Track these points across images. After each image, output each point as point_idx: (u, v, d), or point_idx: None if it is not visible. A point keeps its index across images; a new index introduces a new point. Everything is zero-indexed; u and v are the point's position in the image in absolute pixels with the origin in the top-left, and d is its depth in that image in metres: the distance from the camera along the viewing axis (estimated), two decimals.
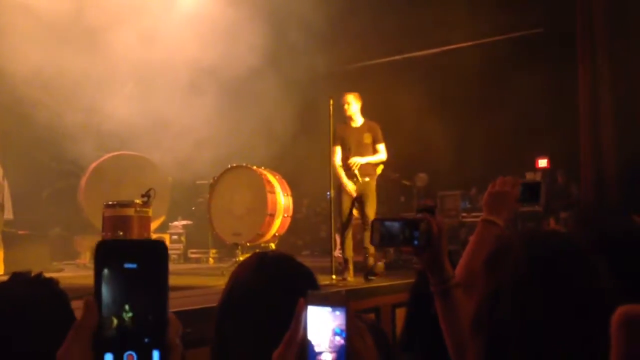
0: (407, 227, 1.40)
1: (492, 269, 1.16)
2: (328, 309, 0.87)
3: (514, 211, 1.83)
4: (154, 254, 0.73)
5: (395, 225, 1.41)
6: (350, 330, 0.86)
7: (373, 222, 1.44)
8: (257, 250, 6.69)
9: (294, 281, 1.35)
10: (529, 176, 10.23)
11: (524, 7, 10.38)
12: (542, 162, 10.88)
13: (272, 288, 1.31)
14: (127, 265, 0.72)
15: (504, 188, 1.80)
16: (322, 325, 0.87)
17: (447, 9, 10.43)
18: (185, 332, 0.78)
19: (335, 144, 6.33)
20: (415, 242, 1.39)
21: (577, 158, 9.99)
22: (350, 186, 6.29)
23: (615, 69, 9.74)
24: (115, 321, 0.71)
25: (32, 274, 1.25)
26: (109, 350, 0.71)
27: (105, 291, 0.72)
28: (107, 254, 0.73)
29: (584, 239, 1.33)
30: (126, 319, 0.71)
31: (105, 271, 0.72)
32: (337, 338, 0.86)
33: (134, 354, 0.71)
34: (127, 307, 0.71)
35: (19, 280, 1.23)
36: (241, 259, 6.84)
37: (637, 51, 9.64)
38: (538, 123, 10.34)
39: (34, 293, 1.18)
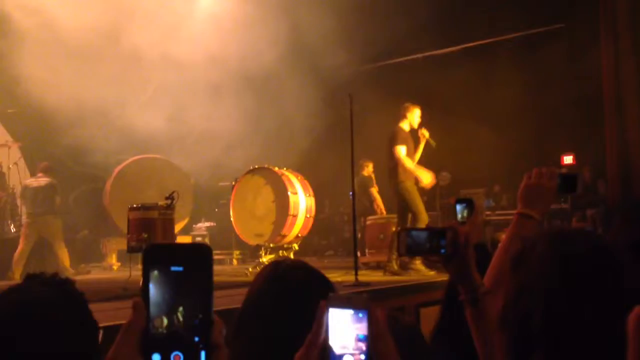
0: (434, 236, 1.39)
1: (517, 267, 1.15)
2: (350, 312, 0.87)
3: (550, 204, 1.77)
4: (199, 257, 0.76)
5: (422, 234, 1.40)
6: (372, 332, 0.86)
7: (399, 232, 1.44)
8: (280, 252, 6.69)
9: (307, 288, 1.38)
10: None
11: (545, 3, 10.25)
12: (568, 159, 10.72)
13: (285, 296, 1.36)
14: (173, 268, 0.74)
15: (540, 180, 1.72)
16: (344, 328, 0.86)
17: (469, 6, 10.35)
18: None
19: (402, 143, 6.81)
20: (443, 251, 1.38)
21: (603, 154, 9.82)
22: (427, 179, 6.87)
23: None
24: (163, 322, 0.73)
25: (47, 276, 1.26)
26: (156, 351, 0.73)
27: (153, 293, 0.74)
28: (154, 257, 0.75)
29: (629, 238, 1.32)
30: (173, 320, 0.74)
31: (153, 273, 0.74)
32: (360, 337, 0.86)
33: (180, 354, 0.73)
34: (173, 308, 0.74)
35: (34, 281, 1.24)
36: (264, 260, 6.89)
37: None
38: (563, 119, 10.19)
39: (49, 294, 1.19)
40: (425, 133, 6.98)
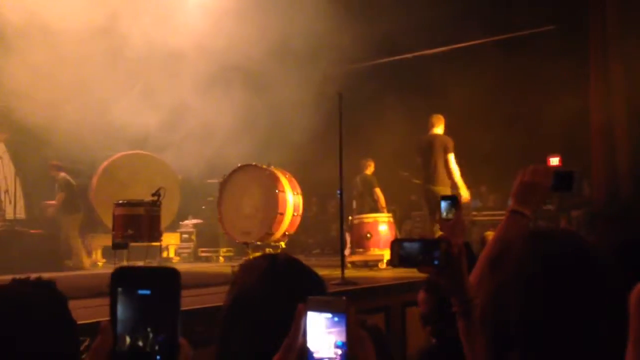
0: (427, 247, 1.38)
1: (496, 267, 1.14)
2: (328, 315, 0.86)
3: (542, 202, 1.76)
4: (166, 281, 0.77)
5: (415, 245, 1.39)
6: (351, 337, 0.85)
7: (392, 243, 1.43)
8: (267, 250, 6.67)
9: (306, 286, 1.33)
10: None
11: (536, 5, 10.30)
12: (554, 160, 10.80)
13: (285, 293, 1.28)
14: (140, 292, 0.76)
15: (535, 178, 1.71)
16: (322, 332, 0.85)
17: (459, 7, 10.38)
18: (197, 330, 0.80)
19: (453, 152, 7.43)
20: (435, 263, 1.37)
21: (589, 156, 9.90)
22: (465, 194, 7.36)
23: (628, 66, 9.65)
24: (129, 344, 0.75)
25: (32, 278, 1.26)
26: None
27: (120, 315, 0.76)
28: (122, 280, 0.77)
29: (613, 239, 1.32)
30: (139, 342, 0.75)
31: (120, 296, 0.76)
32: (337, 344, 0.85)
33: None
34: (140, 330, 0.75)
35: (19, 282, 1.24)
36: (251, 258, 6.86)
37: None
38: (550, 121, 10.26)
39: (34, 295, 1.19)
40: None
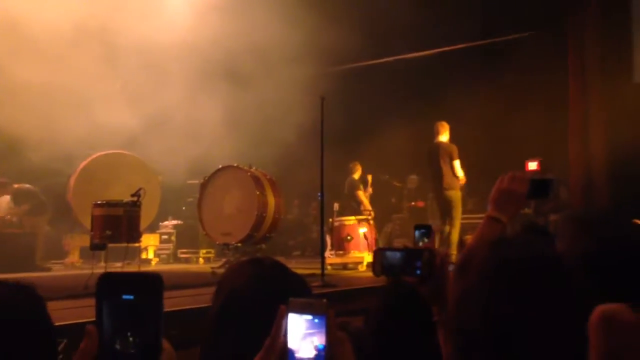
0: (410, 257, 1.38)
1: (460, 274, 1.13)
2: (309, 317, 0.87)
3: (520, 209, 1.77)
4: (150, 287, 0.80)
5: (397, 255, 1.39)
6: (330, 339, 0.86)
7: (375, 251, 1.43)
8: (248, 251, 6.62)
9: (292, 290, 1.30)
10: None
11: (515, 10, 10.42)
12: (532, 165, 10.91)
13: (272, 297, 1.25)
14: (125, 297, 0.78)
15: (512, 185, 1.73)
16: (303, 333, 0.87)
17: (437, 12, 10.46)
18: (172, 333, 0.82)
19: (458, 158, 8.11)
20: (418, 272, 1.37)
21: (567, 161, 10.04)
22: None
23: (606, 72, 9.81)
24: (114, 347, 0.77)
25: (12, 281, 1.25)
26: None
27: (105, 320, 0.78)
28: (107, 286, 0.80)
29: (582, 249, 1.32)
30: (124, 345, 0.77)
31: (106, 301, 0.79)
32: (318, 346, 0.86)
33: None
34: (124, 334, 0.78)
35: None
36: (232, 259, 6.85)
37: (627, 54, 9.72)
38: (529, 125, 10.39)
39: (12, 297, 1.18)
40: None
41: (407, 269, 1.38)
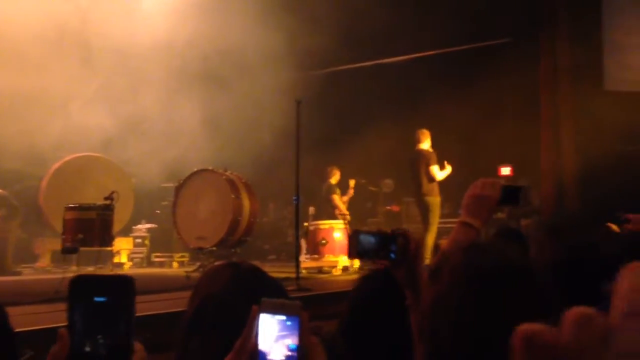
0: (384, 241, 1.39)
1: (434, 279, 1.14)
2: (281, 318, 0.87)
3: (492, 214, 1.80)
4: (122, 289, 0.81)
5: (371, 238, 1.40)
6: (303, 341, 0.86)
7: (350, 235, 1.44)
8: (223, 255, 6.57)
9: (269, 294, 1.31)
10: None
11: (491, 17, 10.58)
12: (505, 170, 11.07)
13: (249, 301, 1.28)
14: (97, 299, 0.79)
15: (484, 191, 1.77)
16: (275, 334, 0.87)
17: (415, 17, 10.56)
18: (145, 337, 0.82)
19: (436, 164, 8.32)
20: (392, 256, 1.38)
21: (539, 166, 10.21)
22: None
23: (577, 80, 10.01)
24: (86, 349, 0.78)
25: None
26: None
27: (77, 322, 0.79)
28: (79, 288, 0.80)
29: (552, 252, 1.33)
30: (94, 347, 0.78)
31: (78, 304, 0.79)
32: (290, 347, 0.86)
33: None
34: (96, 336, 0.78)
35: None
36: (206, 263, 6.80)
37: (597, 63, 9.94)
38: (502, 131, 10.54)
39: None
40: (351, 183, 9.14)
41: (381, 252, 1.39)
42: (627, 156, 9.49)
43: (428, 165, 8.30)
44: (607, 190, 8.64)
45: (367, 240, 1.40)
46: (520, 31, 10.65)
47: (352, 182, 9.59)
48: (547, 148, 10.18)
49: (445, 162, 8.44)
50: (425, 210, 8.35)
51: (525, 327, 0.83)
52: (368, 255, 1.42)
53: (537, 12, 10.42)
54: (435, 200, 8.34)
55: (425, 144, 8.52)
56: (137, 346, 0.78)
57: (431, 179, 8.30)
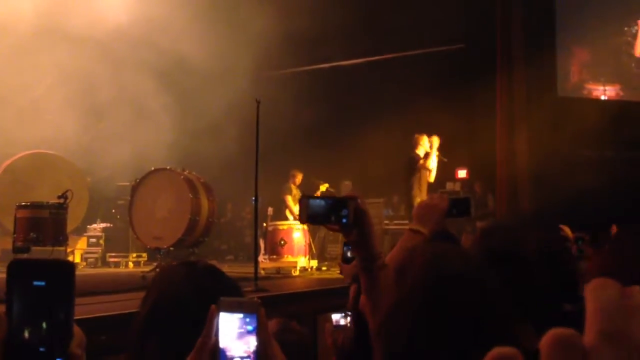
0: (335, 205, 1.38)
1: (399, 280, 1.14)
2: (240, 316, 0.89)
3: (440, 223, 1.86)
4: (61, 273, 0.79)
5: (323, 203, 1.38)
6: (261, 337, 0.88)
7: (300, 199, 1.40)
8: (180, 255, 6.50)
9: (224, 293, 1.31)
10: (449, 186, 10.61)
11: (446, 23, 10.78)
12: (462, 173, 11.30)
13: (204, 300, 1.27)
14: (36, 283, 0.78)
15: (432, 201, 1.87)
16: (234, 332, 0.88)
17: (373, 21, 10.67)
18: (100, 338, 0.81)
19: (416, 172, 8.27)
20: (344, 221, 1.37)
21: (494, 170, 10.46)
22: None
23: (531, 86, 10.30)
24: (24, 333, 0.77)
25: None
26: None
27: (15, 306, 0.77)
28: (18, 272, 0.79)
29: (482, 251, 1.36)
30: (33, 332, 0.77)
31: (16, 288, 0.78)
32: (250, 344, 0.88)
33: None
34: (35, 321, 0.77)
35: None
36: (163, 263, 6.71)
37: (551, 70, 10.24)
38: (458, 135, 10.74)
39: None
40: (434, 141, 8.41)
41: (332, 217, 1.38)
42: (578, 161, 9.82)
43: (412, 168, 8.33)
44: (558, 192, 8.92)
45: (318, 204, 1.37)
46: (477, 37, 10.88)
47: (323, 187, 9.58)
48: (502, 152, 10.44)
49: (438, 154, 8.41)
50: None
51: (558, 332, 0.84)
52: (318, 219, 1.39)
53: (493, 19, 10.67)
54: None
55: (420, 149, 8.44)
56: (76, 329, 0.78)
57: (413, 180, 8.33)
